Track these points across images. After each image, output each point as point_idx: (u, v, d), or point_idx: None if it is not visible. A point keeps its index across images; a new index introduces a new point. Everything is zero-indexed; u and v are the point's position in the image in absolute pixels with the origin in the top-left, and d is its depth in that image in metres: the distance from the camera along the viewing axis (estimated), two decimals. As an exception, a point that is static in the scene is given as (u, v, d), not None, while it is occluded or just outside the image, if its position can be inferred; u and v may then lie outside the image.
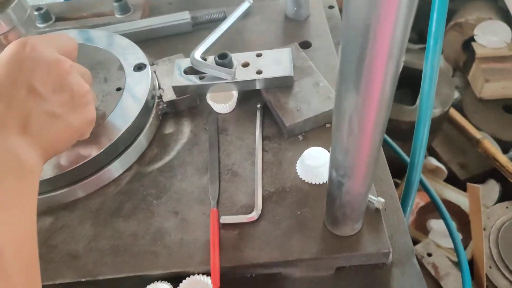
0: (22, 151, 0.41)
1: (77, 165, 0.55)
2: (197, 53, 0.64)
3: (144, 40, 0.72)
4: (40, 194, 0.55)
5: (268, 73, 0.62)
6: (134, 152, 0.60)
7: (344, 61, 0.30)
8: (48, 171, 0.54)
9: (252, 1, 0.80)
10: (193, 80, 0.63)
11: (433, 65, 0.55)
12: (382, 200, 0.51)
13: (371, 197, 0.51)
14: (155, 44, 0.76)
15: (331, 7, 0.85)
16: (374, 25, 0.26)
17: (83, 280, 0.50)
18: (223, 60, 0.62)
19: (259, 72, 0.62)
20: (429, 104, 0.59)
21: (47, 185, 0.55)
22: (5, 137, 0.41)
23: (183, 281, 0.50)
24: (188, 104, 0.66)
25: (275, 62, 0.63)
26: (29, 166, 0.41)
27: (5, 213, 0.38)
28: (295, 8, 0.77)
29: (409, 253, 0.53)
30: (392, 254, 0.52)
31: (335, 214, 0.48)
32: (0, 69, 0.43)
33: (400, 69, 0.30)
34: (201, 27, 0.79)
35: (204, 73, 0.63)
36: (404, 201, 0.67)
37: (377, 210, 0.51)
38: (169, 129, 0.65)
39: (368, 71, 0.29)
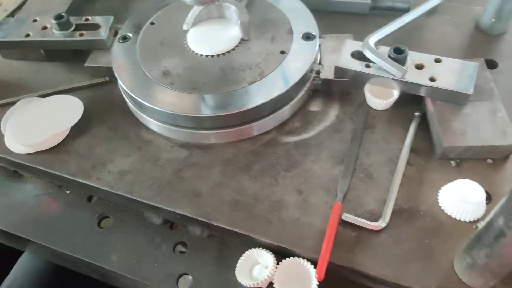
0: None
1: (223, 113, 0.56)
2: (372, 40, 0.60)
3: (316, 9, 0.70)
4: (183, 127, 0.59)
5: (443, 84, 0.56)
6: (276, 118, 0.60)
7: None
8: (201, 110, 0.57)
9: (443, -1, 0.73)
10: (359, 66, 0.59)
11: None
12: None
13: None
14: (326, 16, 0.72)
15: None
16: None
17: (198, 219, 0.53)
18: (398, 55, 0.57)
19: (432, 79, 0.56)
20: None
21: (191, 122, 0.58)
22: None
23: (287, 259, 0.50)
24: (342, 88, 0.63)
25: (454, 74, 0.56)
26: None
27: None
28: (493, 20, 0.67)
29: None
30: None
31: (475, 261, 0.42)
32: None
33: None
34: (377, 12, 0.74)
35: (372, 62, 0.59)
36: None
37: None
38: (315, 106, 0.63)
39: None
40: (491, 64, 0.64)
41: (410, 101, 0.60)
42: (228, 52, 0.63)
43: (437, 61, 0.58)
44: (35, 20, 0.71)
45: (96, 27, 0.70)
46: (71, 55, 0.72)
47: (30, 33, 0.69)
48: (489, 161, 0.55)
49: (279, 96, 0.57)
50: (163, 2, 0.71)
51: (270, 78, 0.59)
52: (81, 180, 0.58)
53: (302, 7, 0.68)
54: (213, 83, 0.59)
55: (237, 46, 0.63)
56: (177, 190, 0.56)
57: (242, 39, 0.63)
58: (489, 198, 0.51)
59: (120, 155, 0.60)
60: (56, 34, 0.69)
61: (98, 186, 0.57)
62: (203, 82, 0.59)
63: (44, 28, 0.70)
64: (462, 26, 0.71)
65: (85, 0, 0.83)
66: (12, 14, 0.84)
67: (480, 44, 0.68)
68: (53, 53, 0.72)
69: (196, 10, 0.66)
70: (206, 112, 0.56)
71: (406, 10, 0.72)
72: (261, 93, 0.57)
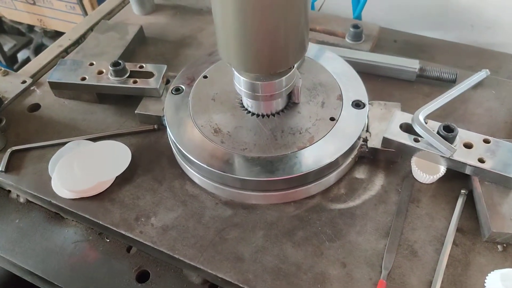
0: None
1: (271, 178, 0.57)
2: (422, 114, 0.61)
3: (365, 72, 0.71)
4: (229, 186, 0.60)
5: (492, 166, 0.56)
6: (322, 183, 0.61)
7: None
8: (250, 172, 0.58)
9: (489, 73, 0.73)
10: (407, 139, 0.60)
11: None
12: None
13: None
14: (373, 80, 0.74)
15: None
16: None
17: (240, 285, 0.53)
18: (448, 133, 0.58)
19: (481, 161, 0.56)
20: None
21: (239, 183, 0.59)
22: None
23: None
24: (388, 157, 0.64)
25: (504, 157, 0.56)
26: None
27: None
28: (541, 100, 0.68)
29: None
30: None
31: None
32: None
33: None
34: (423, 80, 0.75)
35: (421, 136, 0.60)
36: None
37: None
38: (361, 174, 0.63)
39: None
40: (539, 145, 0.64)
41: (456, 177, 0.60)
42: (279, 113, 0.64)
43: (486, 141, 0.59)
44: (91, 64, 0.74)
45: (149, 75, 0.72)
46: (121, 99, 0.74)
47: (86, 76, 0.72)
48: (536, 248, 0.54)
49: (327, 164, 0.58)
50: (216, 56, 0.74)
51: (319, 145, 0.60)
52: (124, 232, 0.59)
53: (352, 72, 0.69)
54: (262, 145, 0.60)
55: (287, 108, 0.65)
56: (220, 252, 0.56)
57: (293, 102, 0.65)
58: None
59: (164, 209, 0.61)
60: (111, 80, 0.71)
61: (140, 240, 0.58)
62: (253, 143, 0.60)
63: (100, 72, 0.73)
64: (507, 102, 0.71)
65: (138, 44, 0.87)
66: (66, 50, 0.88)
67: (527, 123, 0.68)
68: (105, 96, 0.74)
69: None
70: (255, 175, 0.57)
71: (452, 81, 0.73)
72: (310, 160, 0.58)
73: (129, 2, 0.99)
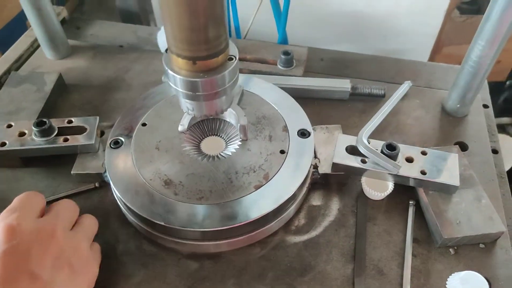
0: None
1: (235, 225, 0.56)
2: (364, 136, 0.64)
3: (301, 97, 0.73)
4: (188, 239, 0.57)
5: (433, 177, 0.60)
6: (283, 218, 0.61)
7: None
8: (211, 222, 0.56)
9: (412, 84, 0.80)
10: (355, 161, 0.63)
11: None
12: None
13: None
14: (309, 103, 0.76)
15: (485, 106, 0.82)
16: None
17: None
18: (391, 151, 0.61)
19: (423, 173, 0.61)
20: None
21: (200, 235, 0.57)
22: None
23: None
24: (339, 180, 0.66)
25: (441, 166, 0.62)
26: None
27: None
28: (458, 106, 0.75)
29: None
30: None
31: None
32: None
33: None
34: (356, 98, 0.79)
35: (367, 157, 0.63)
36: None
37: None
38: (317, 201, 0.65)
39: None
40: (463, 147, 0.71)
41: (403, 190, 0.64)
42: (229, 154, 0.63)
43: (423, 153, 0.64)
44: (9, 126, 0.66)
45: (80, 129, 0.67)
46: (50, 159, 0.67)
47: (6, 141, 0.64)
48: (481, 245, 0.60)
49: (286, 200, 0.58)
50: (152, 99, 0.70)
51: (275, 180, 0.60)
52: (85, 310, 0.53)
53: (291, 100, 0.71)
54: (219, 191, 0.58)
55: (235, 147, 0.64)
56: (193, 311, 0.53)
57: (241, 139, 0.64)
58: (489, 284, 0.56)
59: (123, 276, 0.56)
60: (37, 141, 0.64)
61: (105, 315, 0.53)
62: (208, 190, 0.58)
63: (22, 134, 0.65)
64: (431, 109, 0.78)
65: (59, 94, 0.79)
66: (-28, 110, 0.78)
67: (450, 127, 0.75)
68: (30, 159, 0.67)
69: (189, 111, 0.66)
70: (216, 224, 0.55)
71: (382, 96, 0.78)
72: (269, 197, 0.58)
73: (38, 46, 0.91)
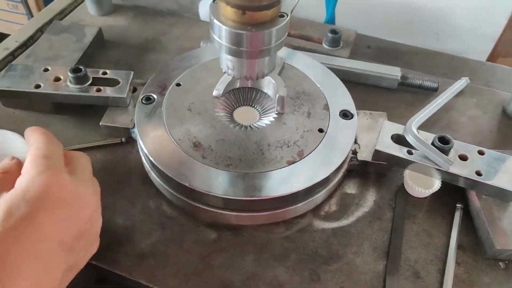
0: None
1: (261, 197, 0.51)
2: (414, 125, 0.58)
3: (344, 79, 0.68)
4: (210, 206, 0.53)
5: (490, 179, 0.54)
6: (313, 200, 0.56)
7: None
8: (237, 191, 0.52)
9: (469, 81, 0.73)
10: (400, 151, 0.57)
11: None
12: None
13: None
14: (354, 88, 0.70)
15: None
16: None
17: (231, 319, 0.47)
18: (444, 145, 0.55)
19: (478, 173, 0.54)
20: None
21: (222, 203, 0.53)
22: None
23: None
24: (378, 170, 0.60)
25: (500, 169, 0.55)
26: None
27: None
28: (522, 109, 0.68)
29: None
30: None
31: None
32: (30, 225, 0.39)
33: None
34: (405, 88, 0.73)
35: (415, 148, 0.57)
36: None
37: None
38: (351, 189, 0.59)
39: None
40: (523, 154, 0.64)
41: (449, 190, 0.57)
42: (263, 125, 0.59)
43: (480, 153, 0.57)
44: (46, 70, 0.64)
45: (114, 82, 0.64)
46: (81, 108, 0.65)
47: (41, 84, 0.63)
48: (534, 262, 0.53)
49: (319, 182, 0.53)
50: (188, 62, 0.67)
51: (310, 159, 0.55)
52: (94, 262, 0.50)
53: (335, 80, 0.66)
54: (249, 160, 0.54)
55: (271, 119, 0.60)
56: (206, 281, 0.49)
57: (278, 112, 0.60)
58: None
59: (140, 233, 0.53)
60: (70, 88, 0.62)
61: (114, 271, 0.50)
62: (238, 158, 0.54)
63: (57, 79, 0.63)
64: (489, 110, 0.71)
65: (97, 48, 0.78)
66: (13, 53, 0.77)
67: (509, 132, 0.68)
68: (62, 105, 0.65)
69: (227, 76, 0.62)
70: (242, 194, 0.51)
71: (434, 90, 0.72)
72: (301, 175, 0.53)
73: (82, 1, 0.90)
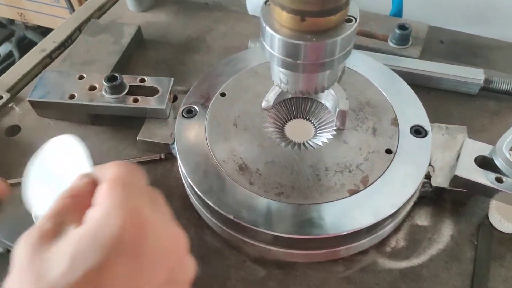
0: None
1: (316, 236, 0.44)
2: (506, 146, 0.48)
3: (412, 84, 0.58)
4: (259, 241, 0.47)
5: None
6: (377, 235, 0.48)
7: None
8: (287, 226, 0.44)
9: None
10: (486, 178, 0.47)
11: None
12: None
13: None
14: (423, 93, 0.60)
15: None
16: None
17: None
18: (545, 173, 0.45)
19: None
20: None
21: (272, 239, 0.46)
22: None
23: None
24: (456, 198, 0.51)
25: None
26: None
27: None
28: None
29: None
30: None
31: None
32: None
33: None
34: (486, 94, 0.62)
35: (506, 175, 0.47)
36: None
37: None
38: (423, 220, 0.51)
39: None
40: None
41: (546, 226, 0.47)
42: (319, 144, 0.51)
43: None
44: (81, 77, 0.60)
45: (152, 91, 0.58)
46: (119, 119, 0.60)
47: (76, 93, 0.58)
48: None
49: (390, 215, 0.45)
50: (233, 66, 0.60)
51: (377, 188, 0.47)
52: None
53: (405, 87, 0.56)
54: (303, 188, 0.47)
55: (328, 137, 0.51)
56: (253, 328, 0.44)
57: (337, 128, 0.52)
58: None
59: (179, 268, 0.48)
60: (106, 98, 0.57)
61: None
62: (290, 185, 0.47)
63: (92, 88, 0.59)
64: None
65: (135, 49, 0.72)
66: (50, 55, 0.73)
67: None
68: (99, 116, 0.60)
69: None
70: (296, 231, 0.44)
71: (523, 95, 0.60)
72: (366, 208, 0.45)
73: (122, -5, 0.85)
